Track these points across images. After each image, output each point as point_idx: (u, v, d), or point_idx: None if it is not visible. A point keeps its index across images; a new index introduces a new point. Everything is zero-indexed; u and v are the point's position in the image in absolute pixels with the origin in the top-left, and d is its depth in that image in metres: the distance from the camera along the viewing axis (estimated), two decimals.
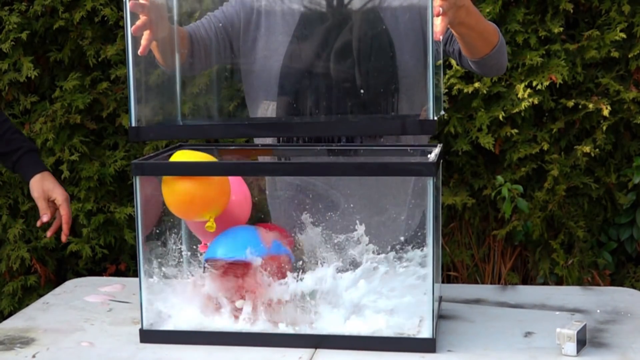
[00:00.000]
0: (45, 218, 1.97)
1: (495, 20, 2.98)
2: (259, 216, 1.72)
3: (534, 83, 2.97)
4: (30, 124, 3.10)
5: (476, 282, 3.19)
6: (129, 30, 1.53)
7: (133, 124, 1.54)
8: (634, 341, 1.53)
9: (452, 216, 3.21)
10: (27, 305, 2.10)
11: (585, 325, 1.48)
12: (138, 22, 1.55)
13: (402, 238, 1.74)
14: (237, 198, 1.64)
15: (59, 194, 1.97)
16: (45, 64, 3.15)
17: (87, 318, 1.74)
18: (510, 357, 1.46)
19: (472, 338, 1.56)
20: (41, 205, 1.97)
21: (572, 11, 3.00)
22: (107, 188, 3.13)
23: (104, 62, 3.11)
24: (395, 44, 1.78)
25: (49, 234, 1.99)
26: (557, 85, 2.99)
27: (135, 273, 1.58)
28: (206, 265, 1.55)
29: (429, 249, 1.49)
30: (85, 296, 1.89)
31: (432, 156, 1.53)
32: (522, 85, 2.97)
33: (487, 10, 2.94)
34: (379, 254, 1.59)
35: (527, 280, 3.23)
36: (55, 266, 3.20)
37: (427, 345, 1.49)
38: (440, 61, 1.66)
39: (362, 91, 1.75)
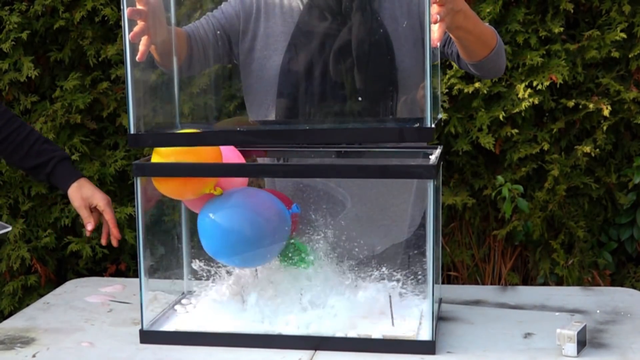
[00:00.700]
0: (89, 227, 1.91)
1: (496, 20, 2.99)
2: None
3: (535, 83, 2.97)
4: (31, 124, 3.10)
5: (476, 282, 3.19)
6: (127, 37, 1.52)
7: (132, 131, 1.54)
8: (634, 341, 1.53)
9: (453, 216, 3.21)
10: (27, 305, 2.10)
11: (585, 325, 1.48)
12: (136, 29, 1.53)
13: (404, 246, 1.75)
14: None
15: (99, 199, 1.91)
16: (46, 63, 3.15)
17: (87, 318, 1.74)
18: (510, 358, 1.46)
19: (472, 339, 1.56)
20: (83, 214, 1.92)
21: (572, 11, 3.00)
22: (108, 188, 3.13)
23: (104, 62, 3.11)
24: (394, 45, 1.78)
25: (103, 241, 1.93)
26: (558, 85, 2.99)
27: (135, 273, 1.59)
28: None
29: (429, 251, 1.49)
30: (85, 296, 1.89)
31: (433, 158, 1.53)
32: (523, 85, 2.97)
33: (487, 10, 2.94)
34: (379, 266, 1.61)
35: (527, 280, 3.23)
36: (55, 266, 3.21)
37: (427, 347, 1.49)
38: (438, 61, 1.66)
39: (359, 98, 1.75)
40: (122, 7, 1.53)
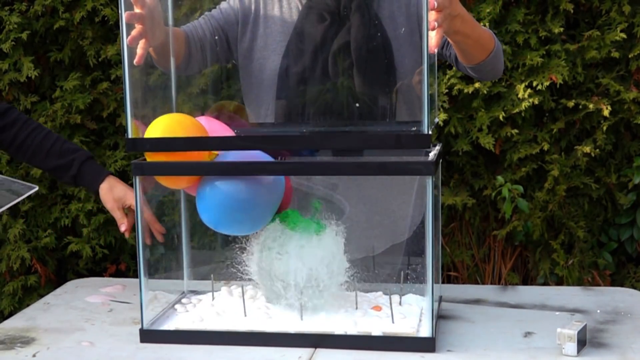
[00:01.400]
0: (123, 227, 1.87)
1: (495, 20, 2.99)
2: None
3: (534, 83, 2.97)
4: None
5: (476, 282, 3.19)
6: (125, 41, 1.51)
7: (129, 135, 1.53)
8: (634, 341, 1.53)
9: (453, 216, 3.21)
10: (27, 305, 2.11)
11: (585, 325, 1.48)
12: (134, 32, 1.52)
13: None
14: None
15: (132, 198, 1.86)
16: (46, 64, 3.15)
17: (87, 318, 1.74)
18: (510, 357, 1.46)
19: (472, 338, 1.56)
20: (117, 215, 1.89)
21: (572, 11, 3.00)
22: None
23: (104, 62, 3.11)
24: (393, 45, 1.78)
25: (147, 241, 1.84)
26: (558, 86, 2.99)
27: (135, 273, 1.59)
28: None
29: (428, 247, 1.49)
30: (85, 296, 1.89)
31: (432, 155, 1.53)
32: (523, 85, 2.97)
33: (487, 10, 2.94)
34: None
35: (527, 280, 3.23)
36: (55, 266, 3.21)
37: (427, 344, 1.49)
38: (435, 65, 1.66)
39: (357, 104, 1.75)
40: (120, 10, 1.52)
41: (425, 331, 1.52)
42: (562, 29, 2.98)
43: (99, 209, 3.14)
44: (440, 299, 1.76)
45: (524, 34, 3.00)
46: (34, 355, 1.53)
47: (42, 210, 3.16)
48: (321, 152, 1.71)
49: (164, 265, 1.76)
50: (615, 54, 2.98)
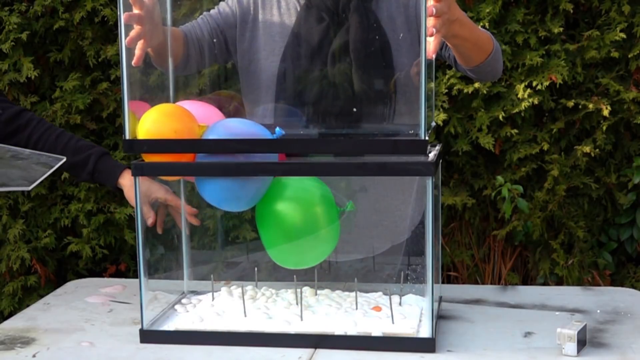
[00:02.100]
0: (150, 221, 1.81)
1: (495, 20, 2.99)
2: None
3: (534, 83, 2.97)
4: None
5: (476, 282, 3.19)
6: (123, 42, 1.51)
7: (127, 137, 1.53)
8: (634, 341, 1.53)
9: (452, 216, 3.21)
10: (27, 305, 2.11)
11: (585, 325, 1.48)
12: (132, 33, 1.52)
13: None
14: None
15: (157, 191, 1.83)
16: (45, 64, 3.15)
17: (87, 318, 1.74)
18: (510, 357, 1.46)
19: (472, 338, 1.56)
20: (143, 210, 1.82)
21: (572, 11, 3.00)
22: (107, 188, 3.13)
23: (104, 63, 3.11)
24: (392, 46, 1.78)
25: (159, 230, 1.84)
26: (557, 86, 2.99)
27: (135, 274, 1.59)
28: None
29: (428, 248, 1.49)
30: (85, 297, 1.89)
31: (432, 156, 1.54)
32: (522, 85, 2.97)
33: (487, 10, 2.94)
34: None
35: (527, 280, 3.23)
36: (55, 266, 3.20)
37: (427, 345, 1.49)
38: (433, 61, 1.66)
39: (354, 109, 1.75)
40: (118, 12, 1.52)
41: (425, 331, 1.52)
42: (561, 29, 2.98)
43: (98, 209, 3.14)
44: (440, 299, 1.76)
45: (524, 34, 3.00)
46: (34, 356, 1.53)
47: (42, 210, 3.16)
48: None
49: (164, 265, 1.76)
50: (615, 54, 2.98)
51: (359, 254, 1.85)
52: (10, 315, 2.86)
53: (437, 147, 1.61)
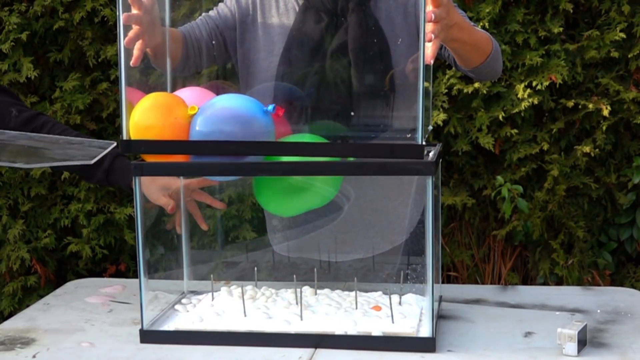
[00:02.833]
0: (170, 207, 1.79)
1: (495, 20, 2.99)
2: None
3: (534, 83, 2.97)
4: None
5: (476, 282, 3.19)
6: (122, 42, 1.51)
7: (124, 137, 1.53)
8: (634, 341, 1.53)
9: (452, 216, 3.21)
10: (27, 305, 2.11)
11: (586, 325, 1.48)
12: (130, 34, 1.52)
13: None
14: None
15: (175, 182, 1.80)
16: (45, 64, 3.15)
17: (87, 319, 1.74)
18: (510, 357, 1.46)
19: (473, 338, 1.56)
20: (162, 202, 1.81)
21: (572, 11, 3.00)
22: (107, 188, 3.13)
23: (103, 63, 3.11)
24: (390, 46, 1.78)
25: (204, 226, 1.83)
26: (557, 86, 2.99)
27: (135, 274, 1.59)
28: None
29: (428, 248, 1.49)
30: (85, 297, 1.89)
31: (431, 155, 1.54)
32: (522, 85, 2.97)
33: (487, 10, 2.94)
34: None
35: (527, 280, 3.24)
36: (55, 267, 3.20)
37: (427, 344, 1.49)
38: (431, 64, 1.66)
39: (352, 113, 1.75)
40: (117, 14, 1.52)
41: (425, 331, 1.52)
42: (561, 29, 2.98)
43: (98, 210, 3.14)
44: (440, 299, 1.76)
45: (524, 33, 3.00)
46: (34, 356, 1.53)
47: (41, 210, 3.16)
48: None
49: (163, 265, 1.76)
50: (615, 54, 2.98)
51: (359, 253, 1.85)
52: (10, 315, 2.86)
53: (437, 147, 1.61)
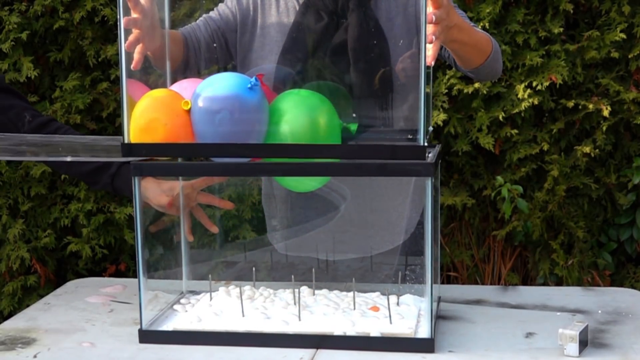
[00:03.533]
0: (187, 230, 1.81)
1: (495, 20, 2.99)
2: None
3: (534, 83, 2.97)
4: None
5: (476, 283, 3.19)
6: (123, 45, 1.50)
7: (126, 140, 1.53)
8: (635, 342, 1.53)
9: (452, 216, 3.21)
10: (27, 305, 2.10)
11: (587, 325, 1.48)
12: (131, 38, 1.52)
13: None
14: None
15: (179, 186, 1.80)
16: (45, 64, 3.15)
17: (88, 318, 1.74)
18: (511, 358, 1.46)
19: (473, 339, 1.56)
20: (172, 212, 1.82)
21: (572, 11, 3.00)
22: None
23: (104, 62, 3.11)
24: (390, 45, 1.78)
25: (214, 230, 1.84)
26: (557, 86, 2.99)
27: (135, 273, 1.59)
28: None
29: (427, 248, 1.49)
30: (86, 297, 1.89)
31: (431, 156, 1.54)
32: (522, 85, 2.97)
33: (487, 10, 2.94)
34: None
35: (527, 280, 3.24)
36: (55, 266, 3.20)
37: (426, 345, 1.49)
38: (431, 80, 1.66)
39: (354, 115, 1.75)
40: (118, 14, 1.52)
41: (423, 332, 1.52)
42: (561, 29, 2.98)
43: (98, 209, 3.14)
44: (439, 300, 1.76)
45: (524, 34, 3.00)
46: (34, 356, 1.53)
47: (41, 210, 3.15)
48: None
49: (163, 265, 1.76)
50: (615, 54, 2.98)
51: (357, 253, 1.85)
52: (10, 315, 2.86)
53: (436, 148, 1.61)
